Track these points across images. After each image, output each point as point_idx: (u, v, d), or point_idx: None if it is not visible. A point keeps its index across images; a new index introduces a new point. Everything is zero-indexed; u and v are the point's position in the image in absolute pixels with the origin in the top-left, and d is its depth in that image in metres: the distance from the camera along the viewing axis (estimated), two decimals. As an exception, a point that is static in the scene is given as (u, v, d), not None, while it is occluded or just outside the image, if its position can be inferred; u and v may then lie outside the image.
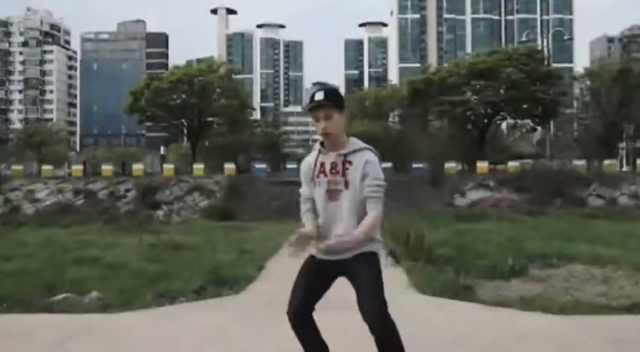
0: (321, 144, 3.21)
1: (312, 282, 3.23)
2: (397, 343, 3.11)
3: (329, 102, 3.07)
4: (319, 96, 3.08)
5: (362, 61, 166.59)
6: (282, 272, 9.17)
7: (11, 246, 12.43)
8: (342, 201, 3.10)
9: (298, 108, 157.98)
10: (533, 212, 23.64)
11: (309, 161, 3.24)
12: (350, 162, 3.09)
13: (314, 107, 3.07)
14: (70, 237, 14.79)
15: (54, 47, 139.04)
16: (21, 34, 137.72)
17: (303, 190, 3.30)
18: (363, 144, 3.17)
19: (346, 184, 3.09)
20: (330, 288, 3.30)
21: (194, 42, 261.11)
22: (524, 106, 42.74)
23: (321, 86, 3.67)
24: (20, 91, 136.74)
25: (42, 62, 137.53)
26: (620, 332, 5.08)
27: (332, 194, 3.11)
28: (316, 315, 3.26)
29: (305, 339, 3.25)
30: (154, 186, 33.04)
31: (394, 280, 8.23)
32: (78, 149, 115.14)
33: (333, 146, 3.15)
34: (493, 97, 40.73)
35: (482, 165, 35.25)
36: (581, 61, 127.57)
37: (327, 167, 3.13)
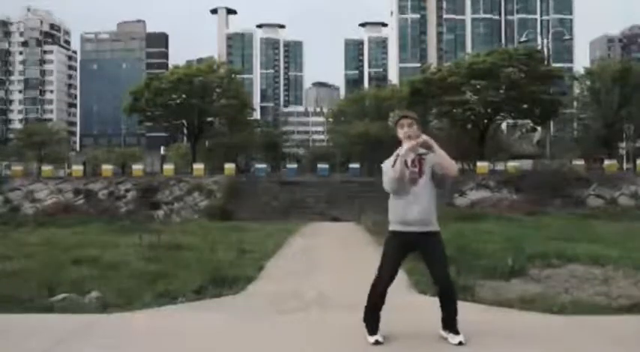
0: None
1: (401, 256, 4.83)
2: (455, 299, 4.80)
3: (412, 115, 4.81)
4: (407, 111, 4.96)
5: (362, 61, 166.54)
6: (281, 272, 9.18)
7: (11, 246, 12.39)
8: (419, 184, 4.65)
9: (298, 108, 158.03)
10: (533, 212, 23.63)
11: (391, 160, 4.67)
12: (424, 159, 4.67)
13: (403, 117, 4.77)
14: (70, 237, 14.75)
15: (54, 47, 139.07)
16: (21, 34, 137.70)
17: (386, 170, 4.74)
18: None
19: (421, 173, 4.67)
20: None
21: (194, 42, 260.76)
22: (524, 106, 42.68)
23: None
24: (20, 91, 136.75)
25: (42, 62, 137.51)
26: (620, 332, 5.08)
27: (413, 180, 4.63)
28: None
29: (379, 307, 4.73)
30: (154, 186, 33.01)
31: (394, 280, 8.23)
32: (78, 149, 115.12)
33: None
34: (493, 97, 40.65)
35: (482, 165, 35.22)
36: (581, 61, 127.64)
37: (409, 163, 4.63)
